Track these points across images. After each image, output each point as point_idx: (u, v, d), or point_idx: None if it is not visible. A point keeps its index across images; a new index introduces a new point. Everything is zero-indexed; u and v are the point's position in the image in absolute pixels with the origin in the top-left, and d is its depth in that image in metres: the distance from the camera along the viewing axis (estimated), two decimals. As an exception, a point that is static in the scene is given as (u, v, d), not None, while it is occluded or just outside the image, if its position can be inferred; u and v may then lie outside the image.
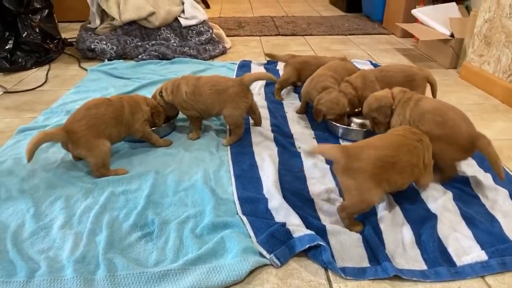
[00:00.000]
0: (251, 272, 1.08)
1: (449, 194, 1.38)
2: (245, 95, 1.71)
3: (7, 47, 2.71)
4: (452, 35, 2.70)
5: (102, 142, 1.50)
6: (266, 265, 1.11)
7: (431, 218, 1.26)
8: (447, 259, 1.13)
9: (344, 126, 1.78)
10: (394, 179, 1.21)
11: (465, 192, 1.41)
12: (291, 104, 2.17)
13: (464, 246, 1.16)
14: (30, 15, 2.80)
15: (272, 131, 1.84)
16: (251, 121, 1.90)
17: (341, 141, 1.77)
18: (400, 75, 1.82)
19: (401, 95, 1.51)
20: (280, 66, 2.74)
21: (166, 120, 1.83)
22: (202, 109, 1.74)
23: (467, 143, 1.37)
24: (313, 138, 1.82)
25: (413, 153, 1.24)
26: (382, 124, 1.56)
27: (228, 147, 1.72)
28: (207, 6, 4.99)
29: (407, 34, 3.42)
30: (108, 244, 1.16)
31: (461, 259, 1.12)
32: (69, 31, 3.67)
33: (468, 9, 2.97)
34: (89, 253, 1.14)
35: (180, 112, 1.83)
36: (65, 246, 1.17)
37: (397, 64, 1.97)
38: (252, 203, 1.34)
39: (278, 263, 1.10)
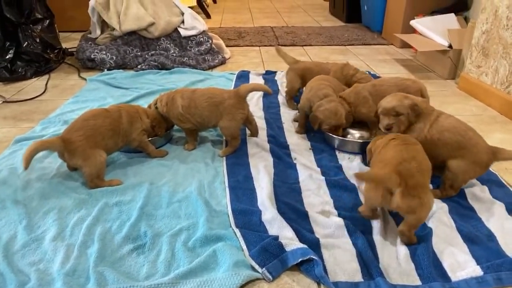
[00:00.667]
0: (243, 286, 1.07)
1: (445, 207, 1.36)
2: (241, 106, 1.71)
3: (7, 56, 2.73)
4: (450, 46, 2.70)
5: (99, 152, 1.50)
6: (258, 279, 1.10)
7: (427, 232, 1.24)
8: (442, 274, 1.11)
9: (340, 137, 1.77)
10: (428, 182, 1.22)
11: (461, 205, 1.40)
12: (288, 114, 2.17)
13: (459, 261, 1.15)
14: (31, 25, 2.83)
15: (269, 141, 1.84)
16: (248, 131, 1.90)
17: (337, 152, 1.77)
18: (393, 89, 1.78)
19: (425, 105, 1.50)
20: (278, 76, 2.76)
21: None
22: (198, 122, 1.73)
23: (489, 159, 1.38)
24: (310, 149, 1.81)
25: (422, 154, 1.27)
26: (402, 125, 1.47)
27: (224, 158, 1.71)
28: (208, 16, 5.03)
29: (406, 45, 3.42)
30: (99, 257, 1.15)
31: (456, 274, 1.10)
32: (70, 41, 3.70)
33: (467, 20, 2.98)
34: (79, 266, 1.13)
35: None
36: (56, 259, 1.16)
37: (390, 77, 1.97)
38: (246, 215, 1.33)
39: (270, 277, 1.09)
